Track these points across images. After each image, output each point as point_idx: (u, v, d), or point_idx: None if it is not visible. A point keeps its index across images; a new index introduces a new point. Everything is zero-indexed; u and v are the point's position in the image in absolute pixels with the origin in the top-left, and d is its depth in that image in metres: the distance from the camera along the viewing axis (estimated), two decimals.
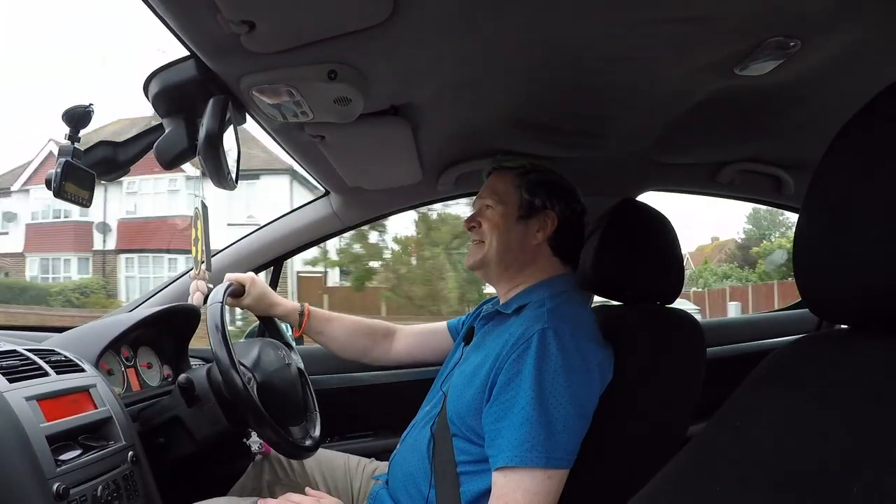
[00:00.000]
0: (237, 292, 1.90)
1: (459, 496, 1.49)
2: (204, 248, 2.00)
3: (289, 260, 2.61)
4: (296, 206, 2.58)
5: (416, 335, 2.18)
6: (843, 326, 0.81)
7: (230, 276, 1.90)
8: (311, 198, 2.50)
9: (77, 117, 1.49)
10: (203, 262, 2.02)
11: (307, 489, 1.57)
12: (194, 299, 1.98)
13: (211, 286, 1.89)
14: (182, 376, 1.65)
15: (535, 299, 1.60)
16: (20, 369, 1.43)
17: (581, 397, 1.43)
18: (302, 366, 1.93)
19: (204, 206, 1.94)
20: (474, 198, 1.85)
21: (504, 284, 1.73)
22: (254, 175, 22.04)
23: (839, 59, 1.46)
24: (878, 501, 0.57)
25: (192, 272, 2.19)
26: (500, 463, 1.38)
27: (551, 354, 1.41)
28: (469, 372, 1.56)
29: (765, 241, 30.21)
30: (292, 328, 2.09)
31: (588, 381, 1.46)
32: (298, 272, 20.90)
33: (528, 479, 1.36)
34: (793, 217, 3.03)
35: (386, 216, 2.66)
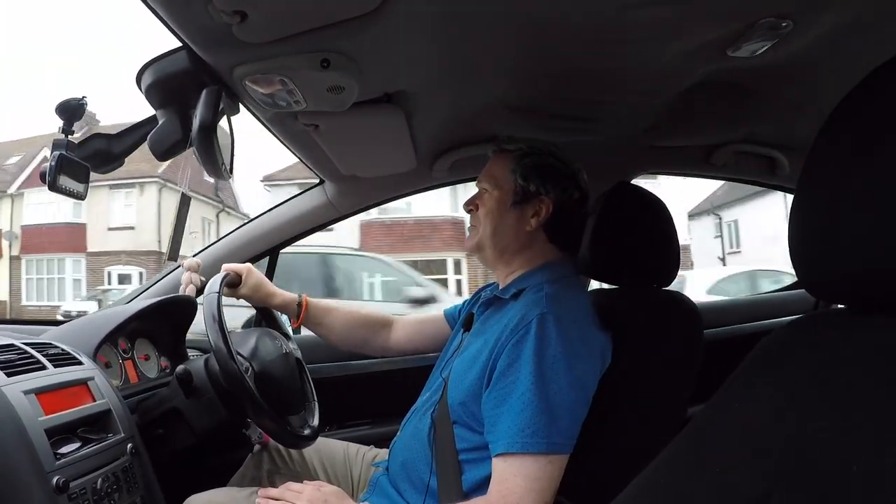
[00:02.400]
0: (233, 282, 1.90)
1: (461, 483, 1.49)
2: (173, 236, 1.99)
3: None
4: (290, 196, 2.58)
5: (413, 325, 2.17)
6: (839, 306, 0.81)
7: (227, 267, 1.90)
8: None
9: (70, 110, 1.49)
10: (169, 251, 2.02)
11: (305, 481, 1.58)
12: (186, 291, 1.98)
13: (203, 279, 1.89)
14: (180, 367, 1.65)
15: (532, 284, 1.60)
16: (18, 363, 1.43)
17: (582, 382, 1.43)
18: (300, 355, 1.93)
19: (185, 197, 1.94)
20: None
21: (501, 269, 1.73)
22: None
23: (831, 38, 1.45)
24: (877, 482, 0.57)
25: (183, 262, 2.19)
26: (500, 449, 1.38)
27: (551, 339, 1.41)
28: (469, 358, 1.56)
29: None
30: (290, 319, 2.09)
31: (589, 366, 1.46)
32: None
33: (529, 464, 1.36)
34: None
35: (381, 203, 2.65)
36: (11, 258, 26.56)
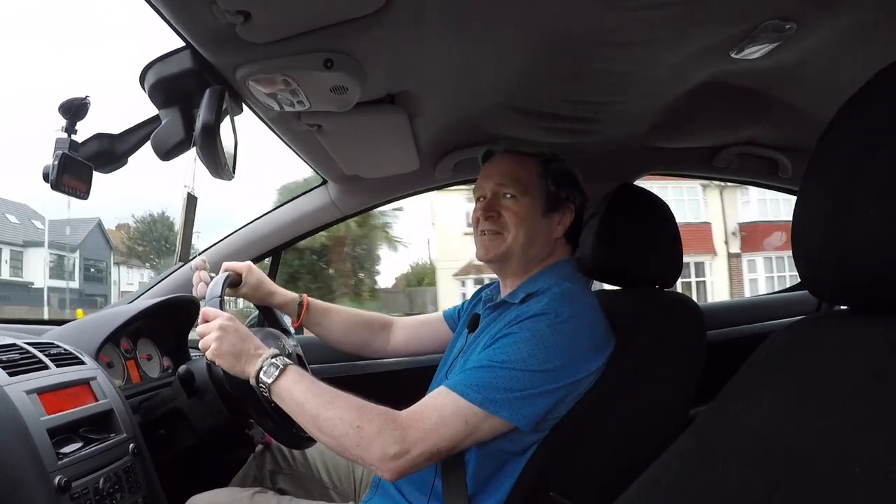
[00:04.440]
0: (234, 281, 1.89)
1: (465, 485, 1.49)
2: (182, 237, 1.98)
3: None
4: (293, 196, 2.58)
5: (413, 327, 2.16)
6: (842, 307, 0.81)
7: (227, 265, 1.89)
8: None
9: (74, 109, 1.49)
10: (179, 251, 2.01)
11: (203, 311, 1.57)
12: (198, 291, 1.97)
13: (213, 275, 1.88)
14: (182, 367, 1.65)
15: (542, 287, 1.57)
16: (20, 363, 1.43)
17: (558, 374, 1.42)
18: (301, 353, 1.92)
19: (191, 197, 1.93)
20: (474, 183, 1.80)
21: (519, 277, 1.69)
22: None
23: (835, 40, 1.45)
24: (880, 482, 0.57)
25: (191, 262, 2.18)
26: (445, 384, 1.40)
27: (542, 334, 1.41)
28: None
29: None
30: (291, 319, 2.08)
31: (574, 364, 1.44)
32: None
33: (459, 406, 1.36)
34: None
35: (384, 204, 2.66)
36: (730, 255, 25.27)
